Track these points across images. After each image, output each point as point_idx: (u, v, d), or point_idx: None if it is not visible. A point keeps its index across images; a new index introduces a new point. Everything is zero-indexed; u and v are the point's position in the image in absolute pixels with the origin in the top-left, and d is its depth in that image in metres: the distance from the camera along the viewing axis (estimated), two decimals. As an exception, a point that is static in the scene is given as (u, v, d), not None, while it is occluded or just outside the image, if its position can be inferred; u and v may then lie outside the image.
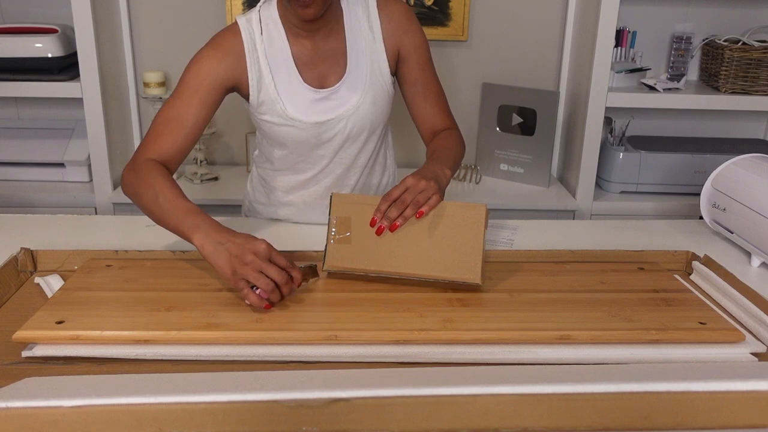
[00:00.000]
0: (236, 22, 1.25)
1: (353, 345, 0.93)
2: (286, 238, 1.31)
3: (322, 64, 1.27)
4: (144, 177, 1.14)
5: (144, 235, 1.31)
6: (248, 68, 1.23)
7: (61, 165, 2.05)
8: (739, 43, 2.01)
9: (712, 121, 2.28)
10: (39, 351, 0.91)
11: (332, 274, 1.10)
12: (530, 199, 2.02)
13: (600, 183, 2.12)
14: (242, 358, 0.91)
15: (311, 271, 1.07)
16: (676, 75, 2.08)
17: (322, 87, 1.27)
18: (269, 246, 1.01)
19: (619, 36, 2.11)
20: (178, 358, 0.91)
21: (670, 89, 2.03)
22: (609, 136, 2.12)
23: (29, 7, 2.07)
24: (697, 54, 2.19)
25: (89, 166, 2.00)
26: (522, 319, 0.98)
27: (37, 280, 1.12)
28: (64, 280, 1.10)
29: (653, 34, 2.18)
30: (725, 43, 2.02)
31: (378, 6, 1.28)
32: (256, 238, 1.02)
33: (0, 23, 2.02)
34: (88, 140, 1.94)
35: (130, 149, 2.12)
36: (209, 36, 1.26)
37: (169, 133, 1.19)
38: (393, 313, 0.99)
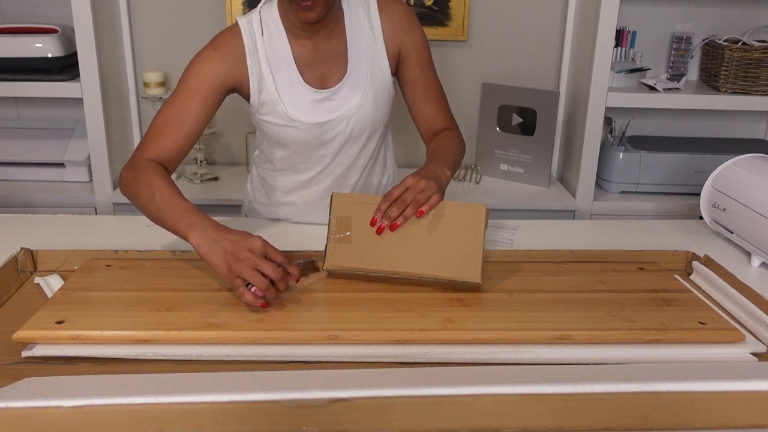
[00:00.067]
0: (237, 23, 1.25)
1: (353, 345, 0.93)
2: (286, 238, 1.31)
3: (322, 64, 1.27)
4: (142, 177, 1.14)
5: (144, 235, 1.31)
6: (249, 69, 1.23)
7: (61, 165, 2.05)
8: (739, 43, 2.01)
9: (712, 121, 2.28)
10: (39, 351, 0.91)
11: (332, 274, 1.10)
12: (530, 199, 2.02)
13: (600, 183, 2.12)
14: (242, 358, 0.91)
15: (311, 266, 1.07)
16: (676, 75, 2.08)
17: (323, 87, 1.27)
18: (265, 242, 1.01)
19: (619, 36, 2.11)
20: (178, 358, 0.91)
21: (670, 89, 2.03)
22: (609, 136, 2.12)
23: (29, 7, 2.07)
24: (697, 54, 2.19)
25: (89, 166, 2.00)
26: (522, 319, 0.98)
27: (37, 280, 1.12)
28: (64, 280, 1.10)
29: (653, 34, 2.18)
30: (725, 43, 2.02)
31: (378, 6, 1.28)
32: (251, 235, 1.02)
33: (0, 23, 2.02)
34: (88, 140, 1.94)
35: (130, 149, 2.12)
36: (209, 36, 1.26)
37: (169, 133, 1.19)
38: (393, 313, 0.99)
